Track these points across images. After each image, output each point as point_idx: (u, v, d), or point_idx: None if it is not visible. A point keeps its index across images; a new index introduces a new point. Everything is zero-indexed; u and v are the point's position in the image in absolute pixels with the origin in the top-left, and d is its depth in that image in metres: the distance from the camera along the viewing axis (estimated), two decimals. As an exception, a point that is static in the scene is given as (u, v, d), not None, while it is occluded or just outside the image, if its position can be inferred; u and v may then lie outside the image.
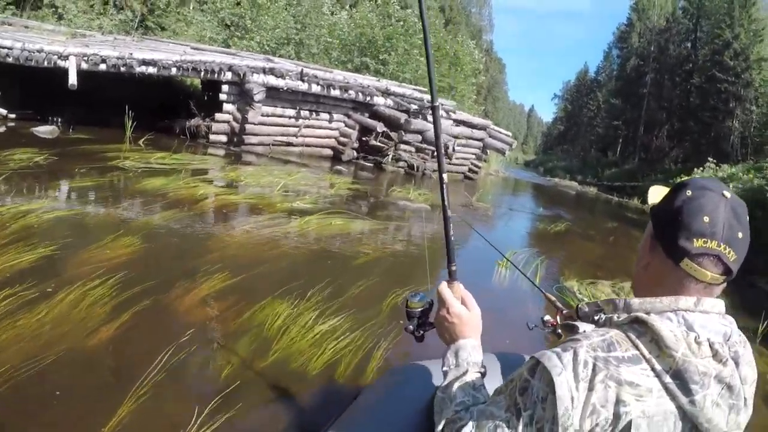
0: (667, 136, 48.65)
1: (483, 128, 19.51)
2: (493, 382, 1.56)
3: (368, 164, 16.03)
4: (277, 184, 9.25)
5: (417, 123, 15.94)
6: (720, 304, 1.28)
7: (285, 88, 13.95)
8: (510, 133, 21.01)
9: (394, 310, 4.63)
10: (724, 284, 1.28)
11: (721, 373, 1.16)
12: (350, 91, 15.24)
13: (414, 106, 16.62)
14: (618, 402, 1.12)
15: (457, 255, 1.87)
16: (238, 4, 23.86)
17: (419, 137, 16.25)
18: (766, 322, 6.13)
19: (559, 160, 66.12)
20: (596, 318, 1.38)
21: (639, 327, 1.22)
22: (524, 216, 14.09)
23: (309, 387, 3.22)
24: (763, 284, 10.12)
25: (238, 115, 13.73)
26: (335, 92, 14.92)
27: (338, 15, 26.72)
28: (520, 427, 1.19)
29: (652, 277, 1.34)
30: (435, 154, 16.05)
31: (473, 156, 19.63)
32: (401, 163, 16.18)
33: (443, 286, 1.69)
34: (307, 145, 15.47)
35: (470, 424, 1.31)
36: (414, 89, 18.52)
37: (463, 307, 1.64)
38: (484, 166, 20.93)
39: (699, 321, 1.21)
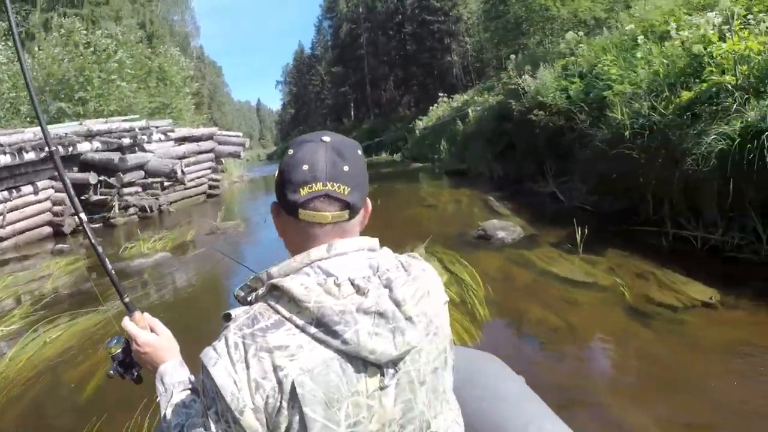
0: (395, 87, 50.79)
1: (209, 137, 18.01)
2: None
3: (98, 225, 13.79)
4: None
5: (134, 158, 14.03)
6: (359, 241, 1.25)
7: (-36, 173, 11.42)
8: (240, 134, 19.73)
9: None
10: (357, 218, 1.26)
11: (363, 304, 1.13)
12: (48, 148, 12.84)
13: (126, 140, 14.62)
14: (275, 369, 1.09)
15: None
16: None
17: (141, 173, 14.34)
18: (579, 229, 5.83)
19: (299, 143, 66.65)
20: (249, 299, 1.27)
21: (276, 292, 1.18)
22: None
23: None
24: (539, 188, 10.36)
25: None
26: (29, 155, 12.51)
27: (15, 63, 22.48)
28: (213, 426, 1.15)
29: (289, 241, 1.30)
30: (167, 185, 14.45)
31: (208, 170, 18.00)
32: (132, 210, 14.09)
33: (125, 321, 1.65)
34: (20, 232, 12.87)
35: None
36: (123, 120, 16.30)
37: (151, 334, 1.62)
38: (224, 176, 19.29)
39: (335, 264, 1.19)
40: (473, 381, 1.78)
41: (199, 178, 17.50)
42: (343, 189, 1.20)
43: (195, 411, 1.38)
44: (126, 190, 13.99)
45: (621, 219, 6.79)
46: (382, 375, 1.16)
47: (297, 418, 1.10)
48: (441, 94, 30.20)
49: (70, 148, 13.45)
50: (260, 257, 7.91)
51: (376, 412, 1.16)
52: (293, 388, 1.08)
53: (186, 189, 16.49)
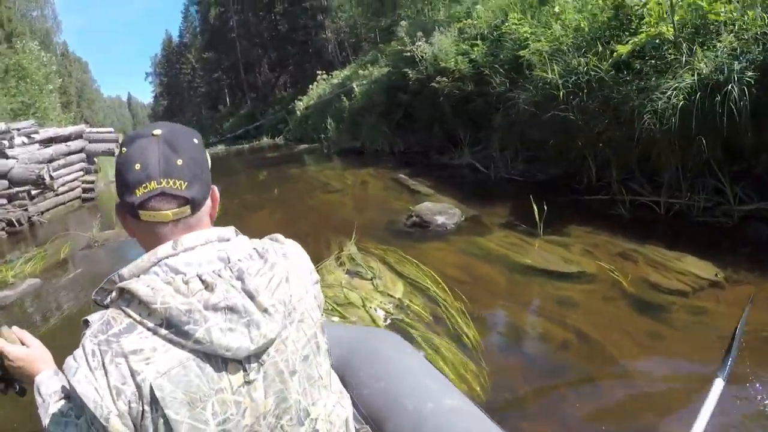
0: (270, 69, 49.17)
1: (79, 136, 16.25)
2: None
3: (-40, 246, 12.03)
4: None
5: (-12, 166, 12.27)
6: (207, 233, 1.19)
7: None
8: (112, 129, 18.02)
9: None
10: (203, 210, 1.21)
11: (210, 300, 1.10)
12: None
13: (-21, 146, 12.85)
14: (133, 373, 1.05)
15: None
16: None
17: (5, 183, 12.60)
18: (536, 209, 5.05)
19: (176, 135, 63.84)
20: (105, 303, 1.20)
21: (126, 295, 1.13)
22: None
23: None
24: (451, 159, 9.84)
25: None
26: None
27: None
28: None
29: (140, 241, 1.24)
30: (35, 193, 12.85)
31: (81, 172, 16.26)
32: (-3, 226, 12.34)
33: None
34: None
35: None
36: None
37: (21, 348, 1.57)
38: (99, 176, 17.45)
39: (183, 260, 1.14)
40: (370, 360, 1.75)
41: (71, 181, 15.80)
42: (180, 184, 1.16)
43: (71, 420, 1.32)
44: (-17, 204, 12.28)
45: (560, 188, 6.21)
46: (245, 370, 1.14)
47: (162, 421, 1.07)
48: (319, 72, 29.11)
49: None
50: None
51: (247, 406, 1.13)
52: (152, 391, 1.05)
53: (58, 195, 14.82)
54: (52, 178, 12.57)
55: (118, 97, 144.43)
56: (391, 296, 4.00)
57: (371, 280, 4.35)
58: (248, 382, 1.13)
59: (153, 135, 1.18)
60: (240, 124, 40.47)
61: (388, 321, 3.67)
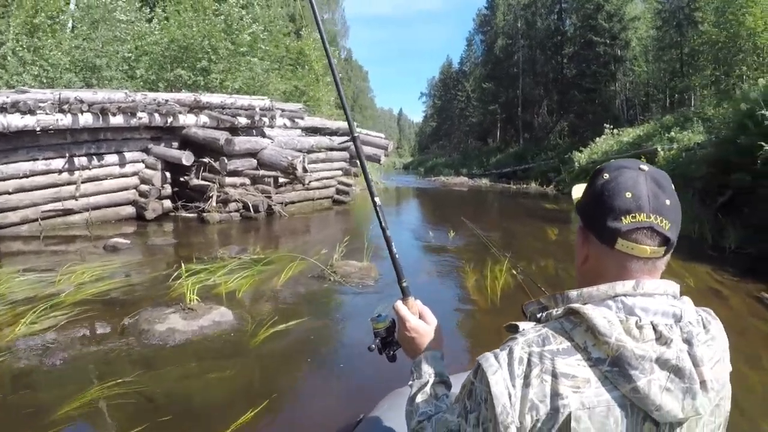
0: (549, 112, 46.86)
1: (346, 134, 14.88)
2: None
3: (191, 215, 11.02)
4: None
5: (244, 142, 11.09)
6: (666, 285, 1.18)
7: (39, 129, 9.05)
8: (383, 135, 16.58)
9: None
10: (667, 257, 1.19)
11: (664, 355, 1.06)
12: (140, 114, 10.22)
13: (243, 119, 11.76)
14: (555, 395, 1.06)
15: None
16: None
17: (253, 161, 11.34)
18: None
19: (439, 157, 64.52)
20: (539, 316, 1.26)
21: (574, 318, 1.14)
22: (434, 266, 7.81)
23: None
24: None
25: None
26: (116, 119, 9.94)
27: (145, 25, 19.85)
28: (469, 430, 1.18)
29: (593, 269, 1.25)
30: (283, 182, 11.41)
31: (339, 172, 14.94)
32: (233, 206, 11.22)
33: (398, 303, 1.69)
34: (95, 207, 10.25)
35: None
36: (250, 98, 13.44)
37: (420, 321, 1.64)
38: (357, 181, 16.16)
39: (640, 304, 1.13)
40: None
41: (326, 179, 14.54)
42: (665, 224, 1.14)
43: (446, 407, 1.40)
44: (229, 180, 11.18)
45: None
46: None
47: None
48: (607, 126, 26.08)
49: (170, 119, 10.73)
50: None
51: None
52: (568, 420, 1.04)
53: (308, 190, 13.56)
54: (305, 170, 11.03)
55: (390, 110, 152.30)
56: None
57: None
58: None
59: (640, 169, 1.19)
60: (507, 162, 39.16)
61: None
